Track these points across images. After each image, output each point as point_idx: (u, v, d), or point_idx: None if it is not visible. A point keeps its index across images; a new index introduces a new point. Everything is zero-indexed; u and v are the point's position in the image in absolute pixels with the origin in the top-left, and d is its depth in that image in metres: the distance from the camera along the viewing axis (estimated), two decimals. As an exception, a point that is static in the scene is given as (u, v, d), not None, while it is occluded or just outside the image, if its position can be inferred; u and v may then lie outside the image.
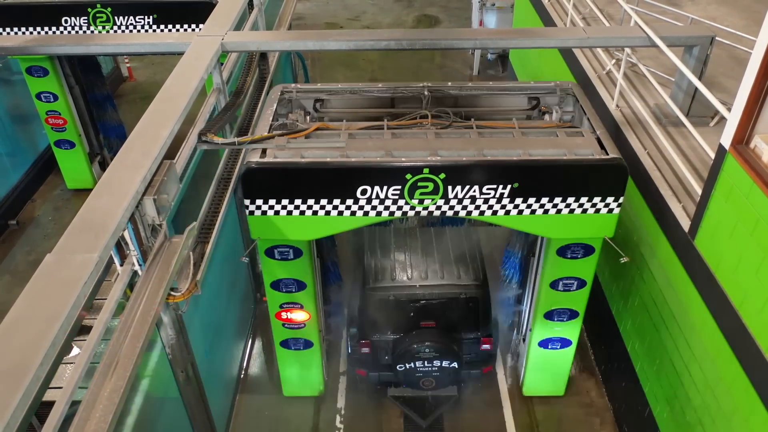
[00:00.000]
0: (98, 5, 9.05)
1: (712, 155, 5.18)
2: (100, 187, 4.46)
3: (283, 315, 6.80)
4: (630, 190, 6.90)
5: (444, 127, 6.03)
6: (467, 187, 5.51)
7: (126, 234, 4.37)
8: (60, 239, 3.96)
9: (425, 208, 5.69)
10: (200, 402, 6.01)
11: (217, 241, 5.85)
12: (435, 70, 16.25)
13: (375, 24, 19.17)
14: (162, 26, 9.18)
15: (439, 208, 5.69)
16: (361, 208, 5.67)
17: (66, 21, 9.18)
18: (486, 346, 7.12)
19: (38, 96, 10.15)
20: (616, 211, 5.70)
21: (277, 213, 5.72)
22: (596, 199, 5.61)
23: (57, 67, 9.99)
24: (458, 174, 5.45)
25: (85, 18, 9.15)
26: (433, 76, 15.96)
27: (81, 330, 4.34)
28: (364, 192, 5.53)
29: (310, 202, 5.63)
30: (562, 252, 6.18)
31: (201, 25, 7.97)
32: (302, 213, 5.72)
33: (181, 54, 6.77)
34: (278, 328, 6.95)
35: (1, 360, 3.16)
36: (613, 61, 8.54)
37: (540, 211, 5.70)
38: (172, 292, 4.83)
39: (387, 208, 5.67)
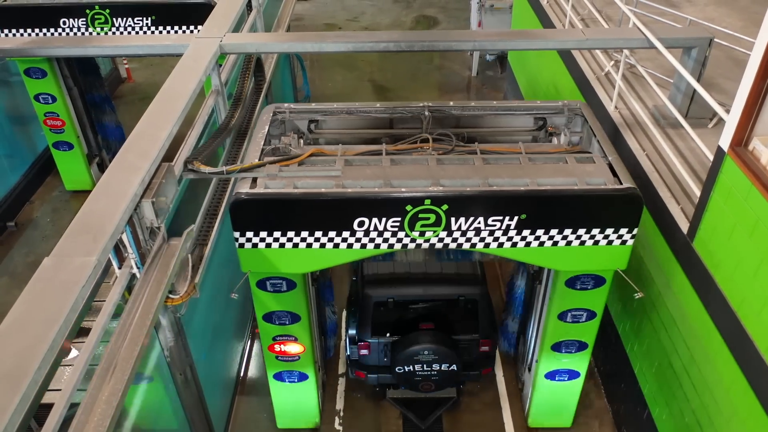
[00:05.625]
0: (96, 7, 9.04)
1: (711, 157, 5.18)
2: (98, 189, 4.46)
3: (277, 348, 6.43)
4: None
5: (446, 152, 5.70)
6: (471, 218, 5.16)
7: (124, 237, 4.36)
8: (58, 242, 3.96)
9: (426, 241, 5.34)
10: (199, 404, 6.01)
11: (215, 244, 5.84)
12: (434, 71, 16.25)
13: (374, 25, 19.18)
14: (161, 28, 9.18)
15: (441, 240, 5.33)
16: (358, 240, 5.33)
17: (64, 23, 9.17)
18: (485, 348, 7.11)
19: (36, 97, 10.14)
20: (630, 242, 5.35)
21: (268, 246, 5.35)
22: (609, 231, 5.26)
23: (55, 69, 9.97)
24: (462, 205, 5.10)
25: (84, 20, 9.15)
26: (432, 77, 15.97)
27: (80, 332, 4.33)
28: (361, 224, 5.18)
29: (304, 234, 5.26)
30: (571, 283, 5.82)
31: (200, 27, 7.95)
32: (295, 246, 5.35)
33: (179, 56, 6.77)
34: (271, 361, 6.58)
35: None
36: (612, 62, 8.54)
37: (549, 243, 5.36)
38: (171, 295, 4.82)
39: (386, 240, 5.33)
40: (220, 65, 7.29)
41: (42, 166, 11.69)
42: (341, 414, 7.62)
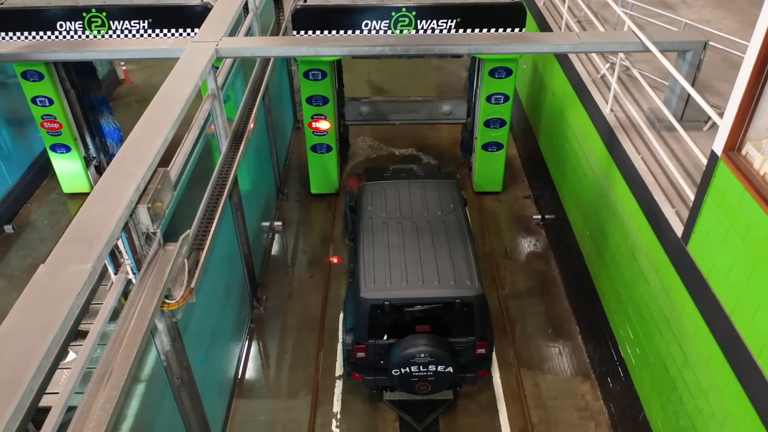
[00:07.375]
0: (93, 10, 9.03)
1: (705, 160, 5.20)
2: (94, 196, 4.47)
3: (313, 125, 10.38)
4: (624, 194, 6.93)
5: None
6: (429, 20, 9.18)
7: (120, 243, 4.38)
8: (54, 249, 3.97)
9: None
10: (196, 407, 6.02)
11: (212, 248, 5.86)
12: (432, 72, 16.26)
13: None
14: (157, 31, 9.17)
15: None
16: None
17: (61, 26, 9.16)
18: (481, 350, 7.13)
19: (33, 100, 10.14)
20: None
21: None
22: (508, 30, 9.21)
23: (52, 72, 9.98)
24: (424, 12, 9.15)
25: (80, 23, 9.13)
26: (430, 77, 15.98)
27: (77, 334, 4.34)
28: (366, 25, 9.18)
29: (333, 32, 9.20)
30: (492, 73, 9.83)
31: (197, 29, 7.94)
32: None
33: (176, 59, 6.78)
34: (310, 136, 10.55)
35: (-5, 372, 3.17)
36: (608, 65, 8.55)
37: None
38: (167, 300, 4.84)
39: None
40: (217, 68, 7.30)
41: (39, 168, 11.69)
42: (338, 416, 7.64)
